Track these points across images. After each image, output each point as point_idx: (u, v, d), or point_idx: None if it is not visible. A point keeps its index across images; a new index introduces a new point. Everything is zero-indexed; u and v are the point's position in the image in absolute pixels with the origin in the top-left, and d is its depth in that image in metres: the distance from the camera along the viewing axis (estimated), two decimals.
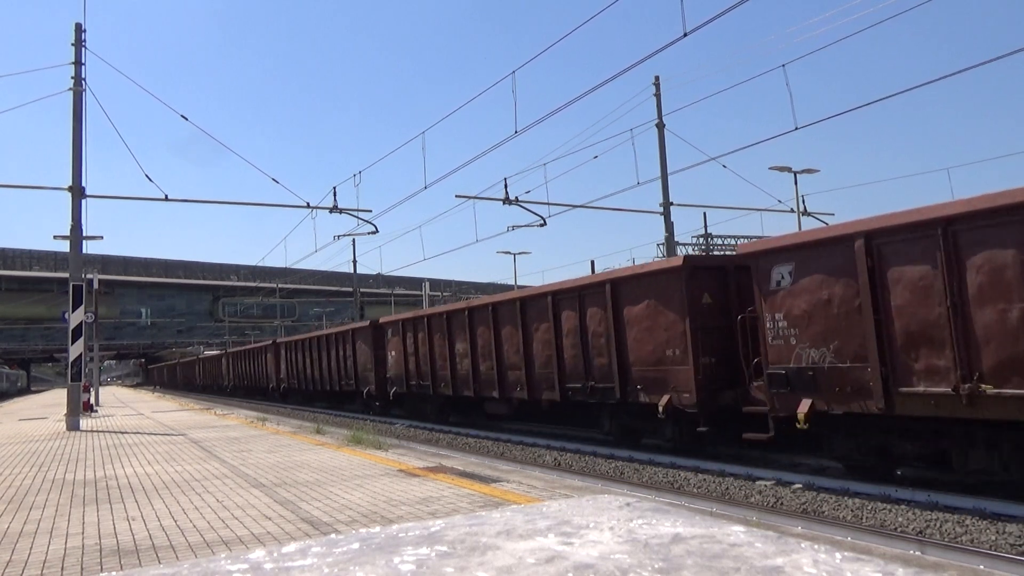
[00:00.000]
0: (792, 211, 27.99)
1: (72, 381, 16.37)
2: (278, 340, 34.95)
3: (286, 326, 69.21)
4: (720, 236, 32.76)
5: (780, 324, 9.37)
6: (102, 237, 20.87)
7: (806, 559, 1.66)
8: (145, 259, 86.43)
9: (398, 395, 20.99)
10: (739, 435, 10.23)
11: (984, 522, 7.05)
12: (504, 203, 21.85)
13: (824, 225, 20.20)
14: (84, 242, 16.72)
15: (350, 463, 8.78)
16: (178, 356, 78.53)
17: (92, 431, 15.67)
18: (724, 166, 22.34)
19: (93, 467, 9.47)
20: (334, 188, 22.00)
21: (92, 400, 25.43)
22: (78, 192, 16.19)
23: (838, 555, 1.67)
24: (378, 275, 51.91)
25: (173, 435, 13.79)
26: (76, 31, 16.68)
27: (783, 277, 9.40)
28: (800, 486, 9.09)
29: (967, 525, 7.04)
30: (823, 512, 8.05)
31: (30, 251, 76.70)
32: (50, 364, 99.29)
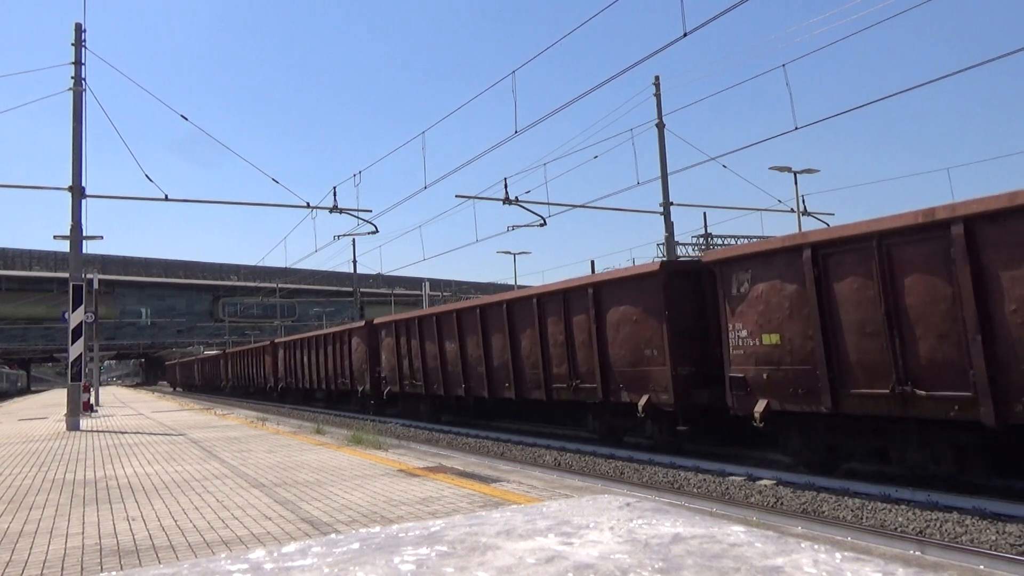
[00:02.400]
0: (792, 211, 28.00)
1: (72, 381, 16.37)
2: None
3: (286, 326, 69.21)
4: (720, 236, 32.81)
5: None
6: (102, 237, 20.92)
7: (806, 559, 1.65)
8: (145, 259, 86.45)
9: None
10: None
11: (984, 522, 7.04)
12: (504, 203, 21.86)
13: (825, 225, 20.29)
14: (84, 242, 16.72)
15: (350, 463, 8.78)
16: (190, 352, 77.63)
17: (92, 431, 15.67)
18: (724, 166, 22.32)
19: (93, 467, 9.47)
20: (334, 188, 22.04)
21: (92, 400, 25.42)
22: (78, 192, 16.19)
23: (838, 555, 1.66)
24: (378, 275, 51.91)
25: (173, 435, 13.79)
26: (76, 31, 16.68)
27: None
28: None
29: (967, 525, 7.04)
30: (823, 512, 8.05)
31: (30, 251, 76.74)
32: (50, 364, 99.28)
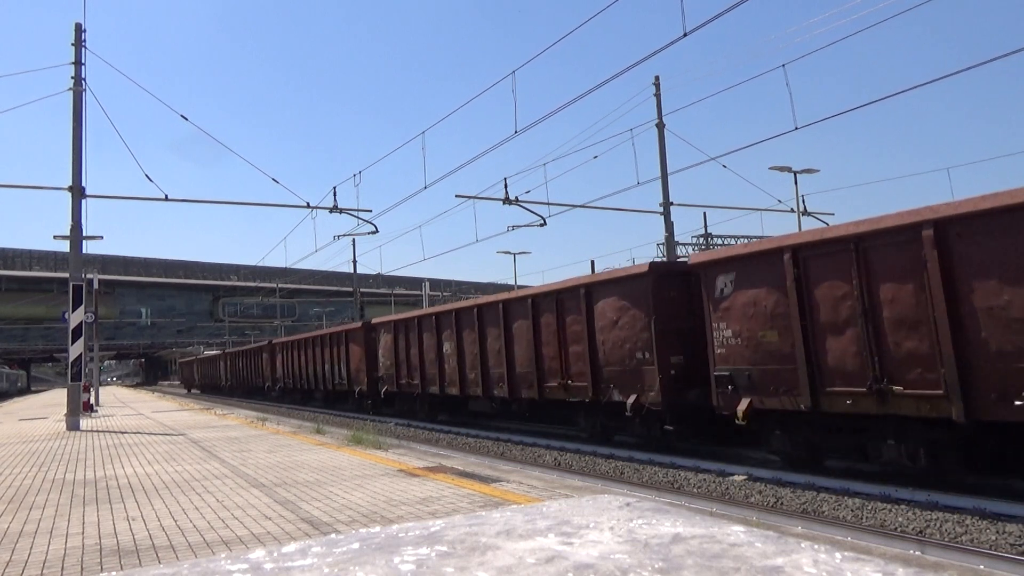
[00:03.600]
0: (792, 211, 28.00)
1: (72, 381, 16.37)
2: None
3: (286, 326, 69.19)
4: (720, 236, 32.81)
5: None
6: (102, 237, 20.93)
7: (806, 559, 1.66)
8: (145, 259, 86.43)
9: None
10: None
11: (984, 522, 7.05)
12: (504, 203, 21.85)
13: (825, 225, 20.41)
14: (84, 242, 16.72)
15: (350, 463, 8.78)
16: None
17: (92, 431, 15.67)
18: (724, 166, 22.32)
19: (93, 467, 9.47)
20: (334, 188, 22.05)
21: (92, 400, 25.42)
22: (78, 192, 16.19)
23: (838, 555, 1.66)
24: (378, 275, 51.91)
25: (173, 435, 13.79)
26: (76, 31, 16.68)
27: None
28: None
29: (967, 525, 7.04)
30: (823, 512, 8.05)
31: (30, 251, 76.71)
32: (50, 364, 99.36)
